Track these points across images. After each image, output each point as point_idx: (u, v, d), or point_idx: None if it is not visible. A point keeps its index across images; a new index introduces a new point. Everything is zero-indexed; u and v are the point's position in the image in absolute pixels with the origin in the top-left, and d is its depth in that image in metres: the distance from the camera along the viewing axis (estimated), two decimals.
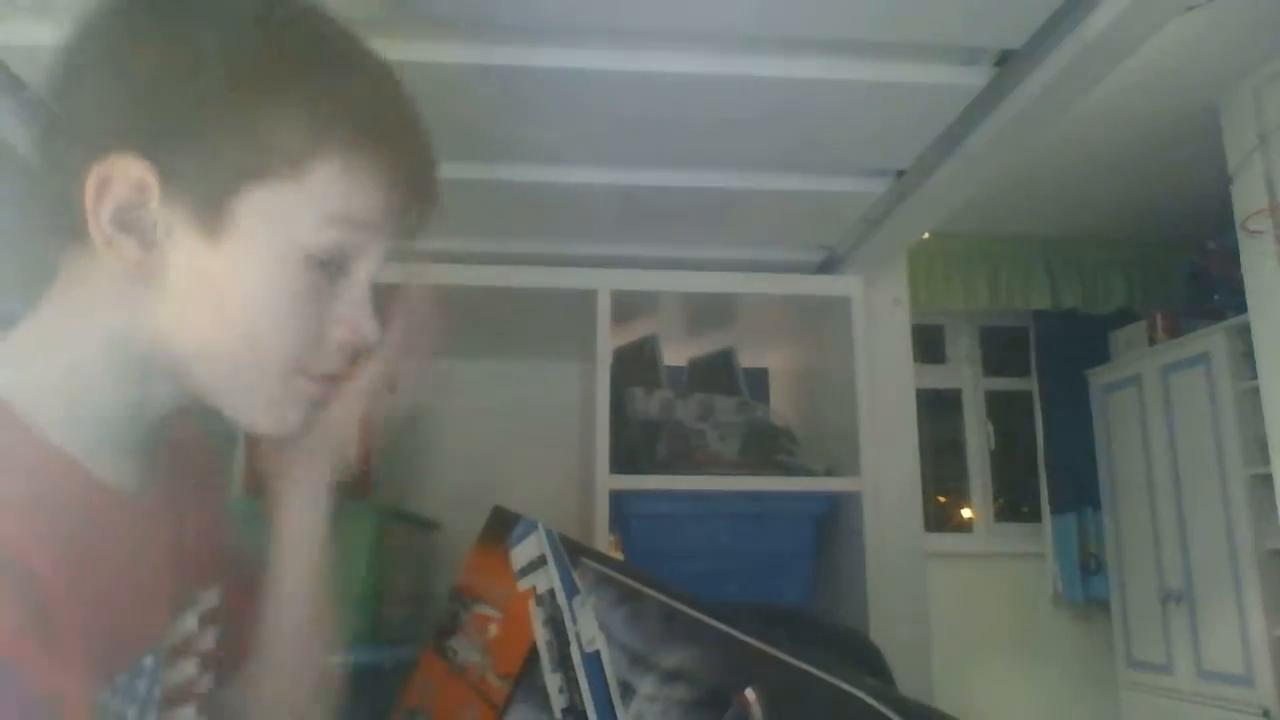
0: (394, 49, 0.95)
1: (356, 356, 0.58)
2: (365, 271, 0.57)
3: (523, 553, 0.87)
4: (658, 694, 0.73)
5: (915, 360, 1.62)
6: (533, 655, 0.81)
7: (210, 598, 0.64)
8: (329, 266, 0.54)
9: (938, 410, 3.88)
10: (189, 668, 0.60)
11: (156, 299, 0.52)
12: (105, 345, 0.53)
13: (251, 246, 0.51)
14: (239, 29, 0.52)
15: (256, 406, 0.55)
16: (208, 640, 0.64)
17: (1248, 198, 2.59)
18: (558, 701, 0.78)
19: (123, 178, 0.50)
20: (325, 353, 0.56)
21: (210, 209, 0.51)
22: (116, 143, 0.50)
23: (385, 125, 0.56)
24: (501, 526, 0.91)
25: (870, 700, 0.64)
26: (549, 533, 0.86)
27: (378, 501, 1.35)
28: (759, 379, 1.82)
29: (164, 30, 0.51)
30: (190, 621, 0.61)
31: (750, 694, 0.67)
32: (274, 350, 0.53)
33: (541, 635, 0.81)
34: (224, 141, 0.50)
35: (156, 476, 0.58)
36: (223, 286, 0.52)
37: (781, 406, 1.74)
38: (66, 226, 0.52)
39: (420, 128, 0.59)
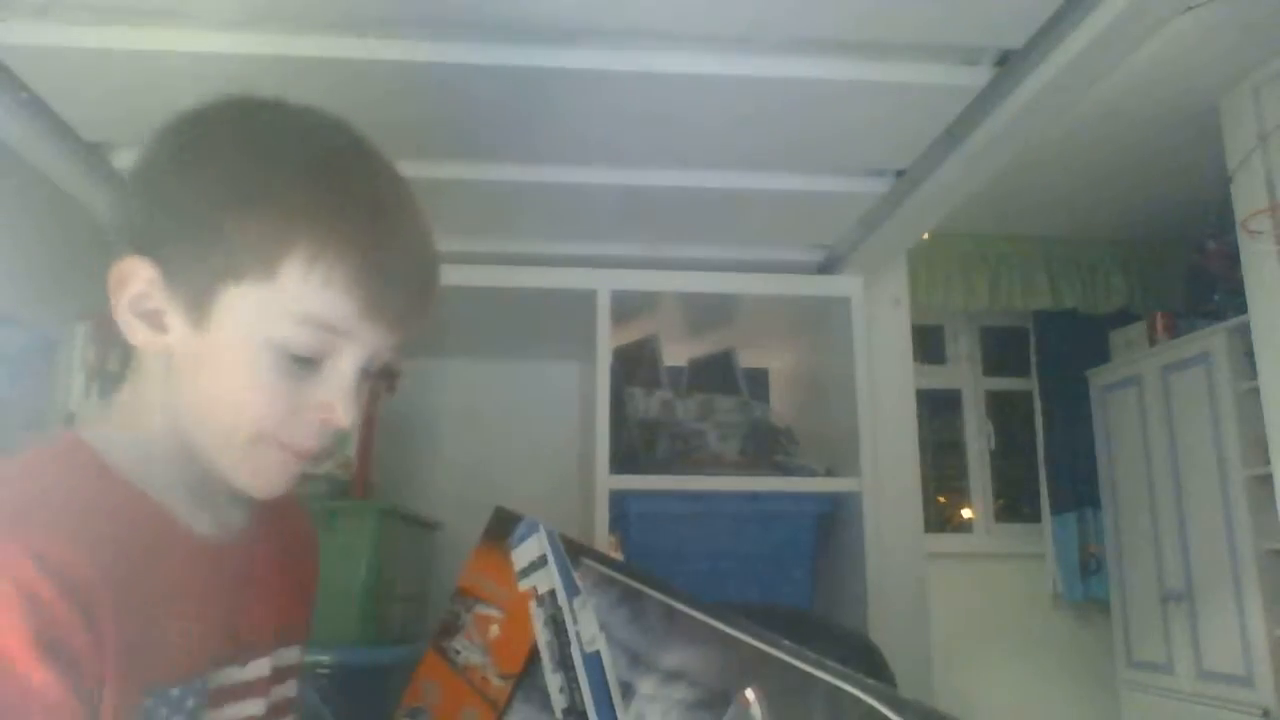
0: (395, 49, 0.95)
1: (334, 435, 0.64)
2: (349, 362, 0.61)
3: (524, 553, 0.87)
4: (658, 694, 0.73)
5: (915, 360, 1.62)
6: (534, 655, 0.81)
7: (291, 655, 0.71)
8: (306, 361, 0.60)
9: (938, 410, 3.88)
10: (254, 708, 0.65)
11: (172, 377, 0.61)
12: (166, 413, 0.62)
13: (230, 336, 0.59)
14: (236, 157, 0.61)
15: (240, 471, 0.62)
16: (284, 690, 0.70)
17: (1248, 198, 2.59)
18: (558, 702, 0.78)
19: (136, 274, 0.59)
20: (301, 430, 0.62)
21: (197, 303, 0.59)
22: (137, 244, 0.60)
23: (353, 236, 0.60)
24: (503, 526, 0.91)
25: (870, 700, 0.64)
26: (550, 533, 0.86)
27: (378, 501, 1.35)
28: (759, 379, 1.82)
29: (179, 155, 0.61)
30: (263, 666, 0.66)
31: (750, 694, 0.67)
32: (245, 423, 0.60)
33: (542, 635, 0.81)
34: (204, 246, 0.59)
35: (242, 527, 0.67)
36: (207, 369, 0.60)
37: (781, 406, 1.74)
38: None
39: (396, 237, 0.63)
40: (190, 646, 0.59)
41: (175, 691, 0.57)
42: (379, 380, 0.66)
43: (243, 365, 0.59)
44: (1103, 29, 0.87)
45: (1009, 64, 0.98)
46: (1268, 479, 2.62)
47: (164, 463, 0.62)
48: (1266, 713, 2.75)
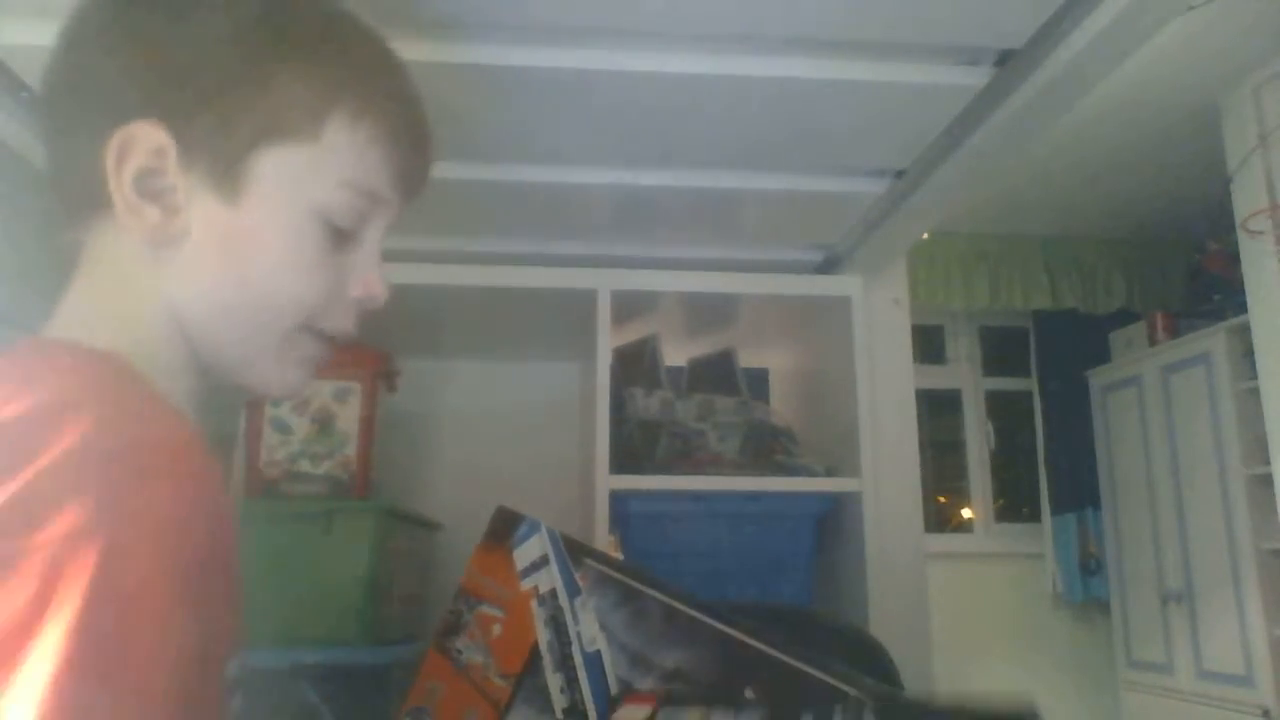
0: (395, 49, 0.95)
1: (363, 317, 0.59)
2: (375, 236, 0.58)
3: (526, 553, 0.87)
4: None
5: (915, 360, 1.62)
6: (535, 655, 0.82)
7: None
8: (344, 231, 0.55)
9: (938, 410, 3.88)
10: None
11: (178, 265, 0.52)
12: (159, 314, 0.53)
13: (270, 207, 0.52)
14: (257, 4, 0.54)
15: (268, 366, 0.55)
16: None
17: (1248, 198, 2.59)
18: (559, 701, 0.78)
19: (142, 144, 0.50)
20: (338, 311, 0.56)
21: (227, 171, 0.51)
22: (134, 110, 0.50)
23: (391, 93, 0.57)
24: (505, 526, 0.91)
25: (869, 700, 0.64)
26: (551, 532, 0.87)
27: (378, 501, 1.35)
28: (759, 379, 1.82)
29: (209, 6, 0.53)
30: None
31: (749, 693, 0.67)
32: (292, 306, 0.54)
33: (543, 635, 0.81)
34: (239, 103, 0.51)
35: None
36: (243, 247, 0.52)
37: (781, 406, 1.74)
38: (86, 201, 0.52)
39: (418, 100, 0.60)
40: (234, 601, 0.49)
41: (235, 665, 0.49)
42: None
43: (288, 239, 0.52)
44: (1103, 29, 0.87)
45: (1009, 64, 0.98)
46: (1268, 479, 2.62)
47: (173, 377, 0.52)
48: (1266, 713, 2.75)
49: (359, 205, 0.55)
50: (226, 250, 0.52)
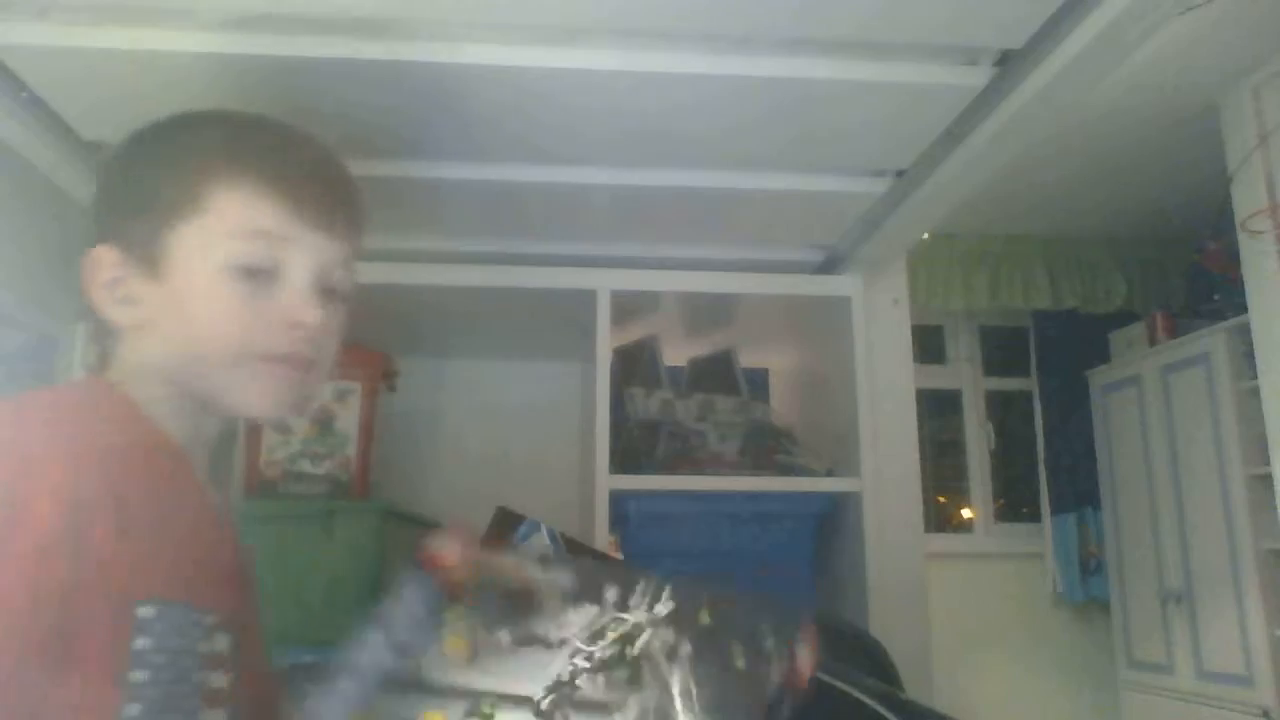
0: (394, 49, 0.95)
1: (308, 339, 0.68)
2: (301, 268, 0.68)
3: (527, 552, 0.87)
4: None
5: (915, 360, 1.62)
6: None
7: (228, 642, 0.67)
8: (258, 272, 0.66)
9: (938, 410, 3.88)
10: (222, 681, 0.64)
11: (145, 333, 0.67)
12: (157, 380, 0.67)
13: (185, 276, 0.66)
14: (166, 135, 0.71)
15: (241, 394, 0.68)
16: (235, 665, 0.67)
17: (1248, 198, 2.59)
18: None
19: (101, 261, 0.67)
20: (273, 336, 0.67)
21: (151, 259, 0.66)
22: (97, 239, 0.68)
23: (266, 149, 0.70)
24: (506, 526, 0.91)
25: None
26: (551, 532, 0.87)
27: (378, 502, 1.35)
28: (759, 379, 1.82)
29: (124, 151, 0.71)
30: (225, 641, 0.65)
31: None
32: (221, 345, 0.66)
33: None
34: (146, 204, 0.67)
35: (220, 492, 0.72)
36: (175, 310, 0.66)
37: (781, 406, 1.74)
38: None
39: (301, 144, 0.72)
40: (198, 580, 0.63)
41: (178, 608, 0.59)
42: (336, 298, 0.71)
43: (203, 294, 0.66)
44: (1103, 29, 0.87)
45: (1009, 64, 0.98)
46: (1268, 479, 2.62)
47: (175, 419, 0.67)
48: (1266, 713, 2.74)
49: (261, 247, 0.66)
50: (170, 318, 0.67)
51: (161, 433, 0.65)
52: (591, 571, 0.68)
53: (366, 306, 0.77)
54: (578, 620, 0.64)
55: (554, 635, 0.64)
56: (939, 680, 1.46)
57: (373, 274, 0.79)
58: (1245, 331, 2.70)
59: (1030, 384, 3.83)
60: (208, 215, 0.66)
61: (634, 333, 1.62)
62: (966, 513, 3.86)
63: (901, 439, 1.56)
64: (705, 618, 0.65)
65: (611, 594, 0.65)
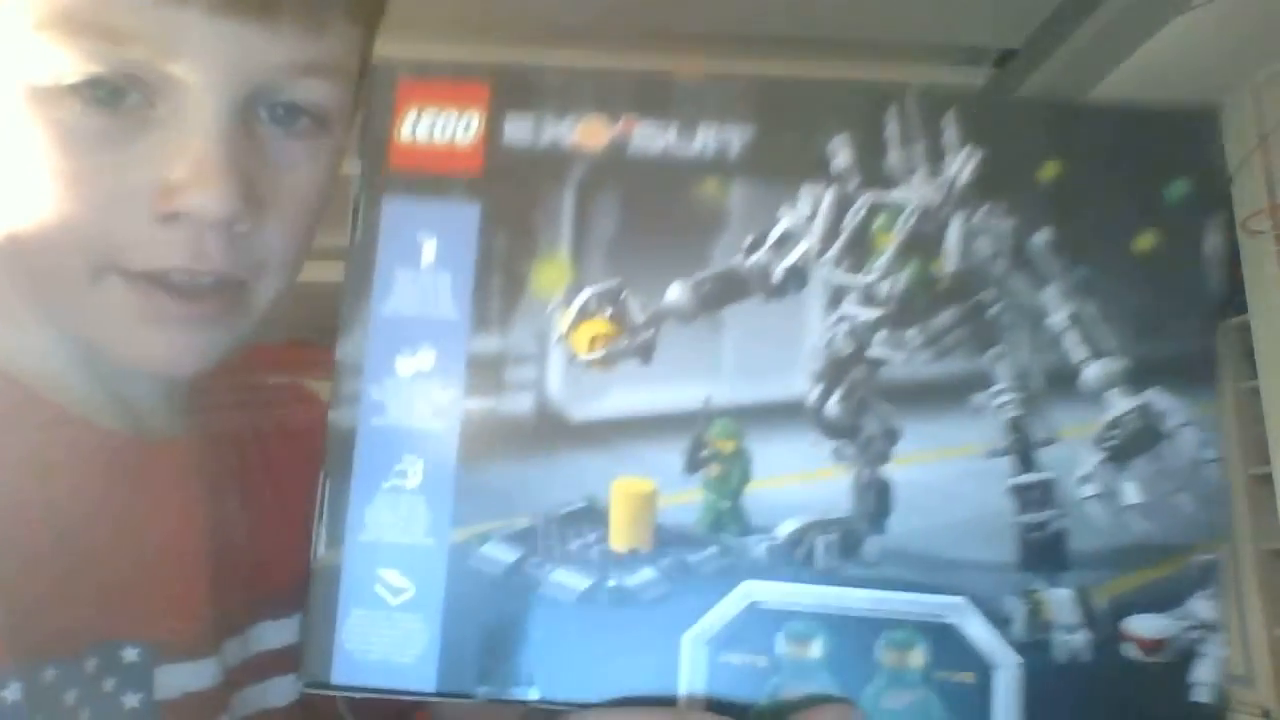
0: (393, 50, 0.95)
1: (221, 239, 0.36)
2: (198, 96, 0.35)
3: None
4: None
5: None
6: None
7: (274, 633, 0.46)
8: (107, 100, 0.34)
9: None
10: None
11: None
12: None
13: None
14: None
15: (109, 337, 0.38)
16: (263, 694, 0.44)
17: (1248, 198, 2.58)
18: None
19: None
20: (150, 236, 0.36)
21: None
22: None
23: None
24: None
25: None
26: None
27: None
28: None
29: None
30: (228, 655, 0.43)
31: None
32: (60, 234, 0.35)
33: None
34: None
35: (182, 424, 0.45)
36: None
37: None
38: None
39: None
40: (110, 597, 0.38)
41: (91, 660, 0.35)
42: (296, 146, 0.39)
43: (13, 138, 0.34)
44: (1102, 29, 0.87)
45: (1009, 64, 0.98)
46: (1268, 479, 2.62)
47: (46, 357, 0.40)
48: (1267, 713, 2.74)
49: (96, 51, 0.33)
50: None
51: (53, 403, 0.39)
52: None
53: None
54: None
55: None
56: None
57: None
58: (1245, 331, 2.70)
59: None
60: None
61: None
62: None
63: None
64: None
65: None
